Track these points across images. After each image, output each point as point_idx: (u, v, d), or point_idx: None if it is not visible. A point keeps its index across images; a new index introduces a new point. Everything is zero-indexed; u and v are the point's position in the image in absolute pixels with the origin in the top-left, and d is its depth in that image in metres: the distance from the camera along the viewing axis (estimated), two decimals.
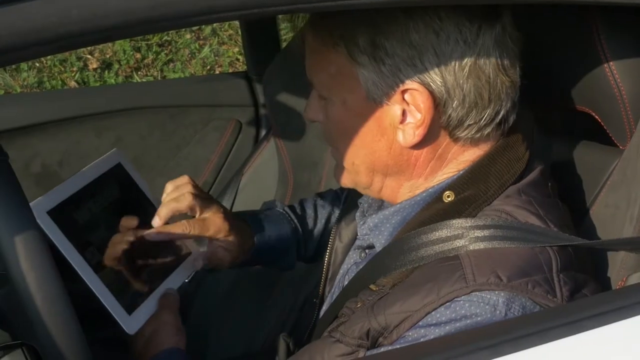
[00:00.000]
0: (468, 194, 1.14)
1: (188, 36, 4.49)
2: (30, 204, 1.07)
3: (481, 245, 1.07)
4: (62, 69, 4.21)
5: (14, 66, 4.03)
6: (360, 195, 1.37)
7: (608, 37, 1.22)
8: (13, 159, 1.01)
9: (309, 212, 1.67)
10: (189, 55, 4.43)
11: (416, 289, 1.05)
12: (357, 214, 1.35)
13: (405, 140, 1.13)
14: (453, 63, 1.08)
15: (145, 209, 1.37)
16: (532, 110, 1.42)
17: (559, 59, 1.31)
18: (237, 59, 4.41)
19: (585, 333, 0.95)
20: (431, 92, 1.09)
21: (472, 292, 1.01)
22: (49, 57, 4.14)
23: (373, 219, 1.24)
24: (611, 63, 1.22)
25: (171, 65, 4.36)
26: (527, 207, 1.13)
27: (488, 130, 1.14)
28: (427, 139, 1.13)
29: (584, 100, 1.30)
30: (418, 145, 1.14)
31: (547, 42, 1.32)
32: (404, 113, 1.12)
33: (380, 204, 1.33)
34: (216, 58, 4.43)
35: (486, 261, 1.04)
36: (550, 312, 1.00)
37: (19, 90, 4.03)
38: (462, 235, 1.08)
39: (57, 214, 1.17)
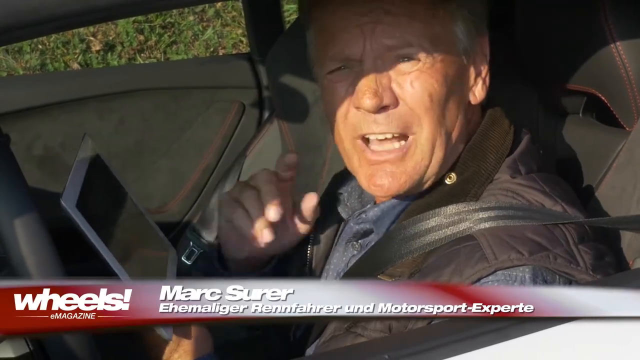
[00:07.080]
0: (469, 173, 1.14)
1: (191, 18, 4.47)
2: (62, 197, 1.02)
3: (493, 225, 1.06)
4: (65, 50, 4.20)
5: (16, 48, 4.02)
6: (337, 184, 1.34)
7: (615, 18, 1.21)
8: (15, 141, 1.00)
9: None
10: (192, 37, 4.41)
11: (437, 274, 1.05)
12: (340, 206, 1.31)
13: (479, 94, 1.18)
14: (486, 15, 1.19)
15: (124, 198, 1.30)
16: (536, 90, 1.41)
17: (566, 39, 1.30)
18: (241, 41, 4.39)
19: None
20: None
21: (496, 270, 1.01)
22: (51, 39, 4.13)
23: (375, 212, 1.22)
24: (618, 43, 1.21)
25: (174, 47, 4.34)
26: (532, 185, 1.13)
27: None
28: None
29: (590, 81, 1.29)
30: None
31: (554, 22, 1.31)
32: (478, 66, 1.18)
33: (361, 192, 1.30)
34: (219, 40, 4.40)
35: (503, 239, 1.04)
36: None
37: (21, 72, 4.02)
38: (471, 217, 1.08)
39: (80, 205, 1.06)
